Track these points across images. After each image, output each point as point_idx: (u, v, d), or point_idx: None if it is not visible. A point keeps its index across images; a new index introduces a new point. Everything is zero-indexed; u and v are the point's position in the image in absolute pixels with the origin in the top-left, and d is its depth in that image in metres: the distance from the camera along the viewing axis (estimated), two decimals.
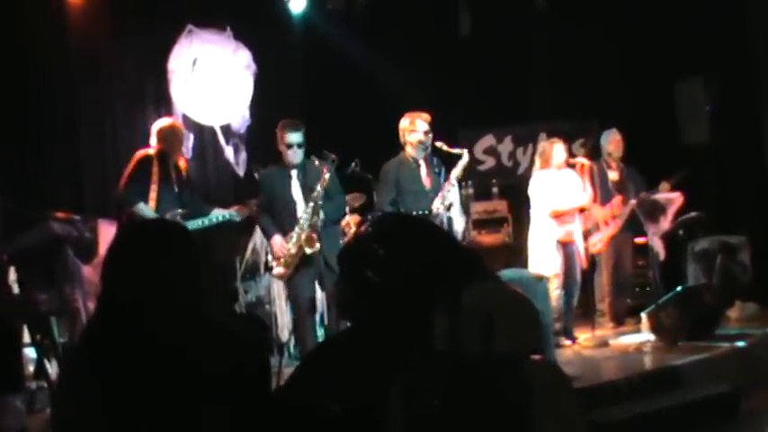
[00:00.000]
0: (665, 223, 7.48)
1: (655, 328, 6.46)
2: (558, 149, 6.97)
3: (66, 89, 7.45)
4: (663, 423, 4.96)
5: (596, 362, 6.23)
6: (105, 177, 7.48)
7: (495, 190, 9.07)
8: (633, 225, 7.52)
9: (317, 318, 6.32)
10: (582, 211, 7.01)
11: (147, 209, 5.90)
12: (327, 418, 1.87)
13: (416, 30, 8.96)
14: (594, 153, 7.82)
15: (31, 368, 5.49)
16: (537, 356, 1.90)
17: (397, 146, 6.35)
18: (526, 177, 7.44)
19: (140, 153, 6.16)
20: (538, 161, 7.10)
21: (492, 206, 8.85)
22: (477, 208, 8.71)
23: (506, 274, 5.14)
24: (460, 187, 6.63)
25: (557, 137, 7.39)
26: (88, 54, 7.58)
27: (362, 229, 2.10)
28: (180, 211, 6.03)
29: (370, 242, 2.01)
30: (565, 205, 6.87)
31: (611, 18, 8.88)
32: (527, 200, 7.08)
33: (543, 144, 7.29)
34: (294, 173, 5.95)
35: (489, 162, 9.64)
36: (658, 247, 7.53)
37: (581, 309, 7.49)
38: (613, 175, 7.58)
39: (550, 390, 1.86)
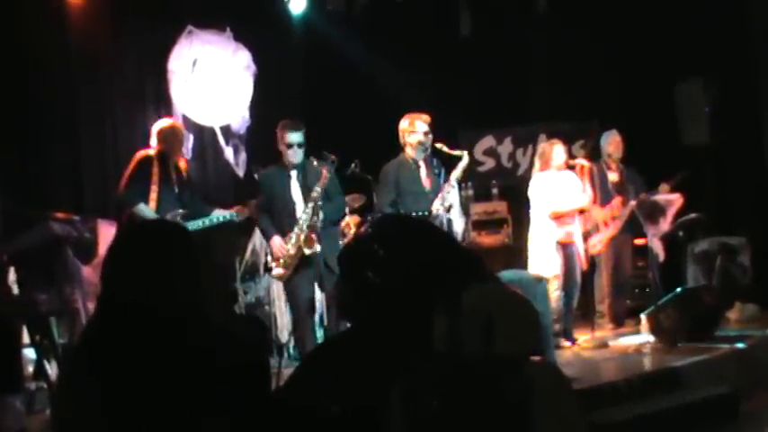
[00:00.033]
0: (665, 224, 7.48)
1: (654, 330, 6.46)
2: (557, 150, 6.97)
3: (67, 89, 7.44)
4: (662, 424, 4.96)
5: (596, 363, 6.23)
6: (105, 177, 7.48)
7: (494, 191, 9.07)
8: (633, 226, 7.51)
9: (317, 319, 6.33)
10: (582, 212, 7.00)
11: (148, 209, 5.90)
12: (327, 418, 1.88)
13: (416, 30, 8.96)
14: (594, 154, 7.82)
15: (31, 369, 5.49)
16: (536, 358, 1.90)
17: (396, 147, 6.35)
18: (526, 178, 7.44)
19: (141, 154, 6.15)
20: (537, 162, 7.10)
21: (492, 207, 8.85)
22: (477, 209, 8.71)
23: (506, 275, 5.13)
24: (460, 188, 6.63)
25: (556, 138, 7.39)
26: (88, 54, 7.58)
27: (362, 229, 2.11)
28: (180, 211, 6.03)
29: (370, 243, 2.01)
30: (564, 207, 6.87)
31: (610, 19, 8.88)
32: (527, 201, 7.08)
33: (543, 145, 7.29)
34: (294, 173, 5.94)
35: (489, 163, 9.64)
36: (658, 248, 7.52)
37: (580, 310, 7.49)
38: (613, 177, 7.58)
39: (550, 391, 1.86)
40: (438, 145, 6.28)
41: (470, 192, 8.53)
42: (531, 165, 7.57)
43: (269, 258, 6.62)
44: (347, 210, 6.75)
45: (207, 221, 6.20)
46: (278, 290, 6.92)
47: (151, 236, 2.33)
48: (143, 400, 2.06)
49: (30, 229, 5.45)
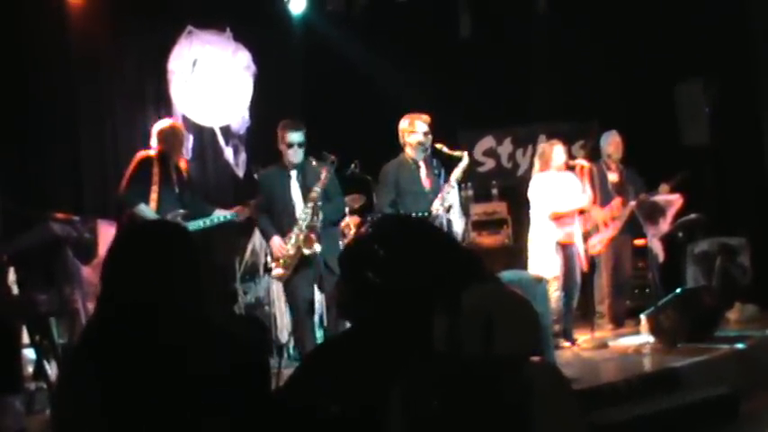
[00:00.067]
0: (665, 225, 7.48)
1: (654, 330, 6.46)
2: (557, 151, 6.97)
3: (67, 89, 7.44)
4: (662, 425, 4.96)
5: (595, 363, 6.23)
6: (105, 178, 7.49)
7: (494, 191, 9.07)
8: (633, 227, 7.51)
9: (317, 319, 6.32)
10: (581, 212, 7.01)
11: (148, 210, 5.90)
12: (327, 418, 1.88)
13: (416, 31, 8.96)
14: (594, 155, 7.82)
15: (31, 369, 5.49)
16: (536, 358, 1.90)
17: (396, 147, 6.34)
18: (526, 179, 7.44)
19: (141, 154, 6.16)
20: (537, 163, 7.10)
21: (491, 208, 8.85)
22: (477, 209, 8.71)
23: (506, 275, 5.13)
24: (460, 189, 6.63)
25: (556, 138, 7.39)
26: (88, 54, 7.58)
27: (363, 230, 2.11)
28: (181, 211, 6.03)
29: (370, 243, 2.01)
30: (564, 207, 6.87)
31: (610, 19, 8.88)
32: (527, 201, 7.08)
33: (543, 146, 7.28)
34: (294, 173, 5.94)
35: (489, 163, 9.64)
36: (658, 248, 7.52)
37: (580, 310, 7.49)
38: (613, 177, 7.57)
39: (550, 391, 1.86)
40: (438, 145, 6.28)
41: (470, 192, 8.54)
42: (531, 165, 7.57)
43: (269, 259, 6.62)
44: (347, 210, 6.75)
45: (208, 221, 6.21)
46: (278, 290, 6.92)
47: (151, 236, 2.33)
48: (143, 401, 2.06)
49: (30, 229, 5.45)
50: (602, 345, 6.73)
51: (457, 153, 6.32)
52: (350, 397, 1.88)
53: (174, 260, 2.24)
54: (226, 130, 8.33)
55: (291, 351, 6.76)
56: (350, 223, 7.03)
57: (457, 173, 6.24)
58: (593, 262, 7.39)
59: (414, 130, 6.24)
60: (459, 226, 6.21)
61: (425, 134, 6.22)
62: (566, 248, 6.87)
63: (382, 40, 8.80)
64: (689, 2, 8.44)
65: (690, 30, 8.39)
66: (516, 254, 7.82)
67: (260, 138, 7.82)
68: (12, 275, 5.44)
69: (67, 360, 3.84)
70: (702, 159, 8.22)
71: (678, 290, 6.78)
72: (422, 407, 1.78)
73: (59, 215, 5.67)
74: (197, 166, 7.96)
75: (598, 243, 7.37)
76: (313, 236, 5.70)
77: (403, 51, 8.87)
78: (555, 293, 6.71)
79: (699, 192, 7.88)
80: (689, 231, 7.73)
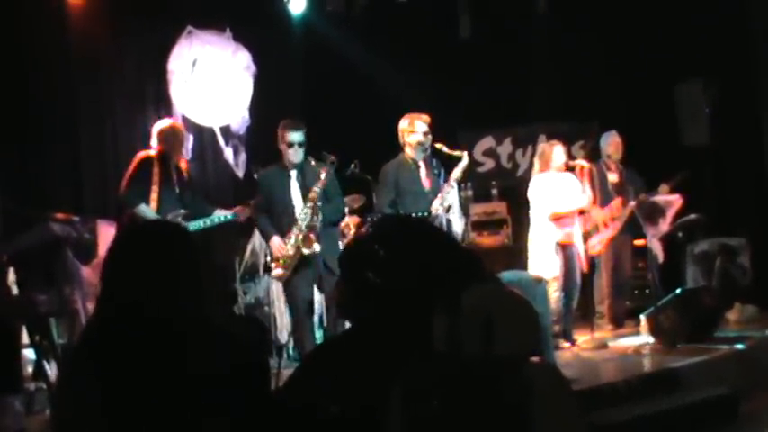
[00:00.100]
0: (665, 225, 7.48)
1: (654, 331, 6.46)
2: (557, 151, 6.97)
3: (67, 89, 7.45)
4: (662, 425, 4.96)
5: (595, 364, 6.23)
6: (105, 178, 7.49)
7: (494, 192, 9.08)
8: (632, 227, 7.51)
9: (316, 319, 6.32)
10: (581, 213, 7.01)
11: (149, 210, 5.91)
12: (327, 419, 1.88)
13: (416, 31, 8.97)
14: (594, 155, 7.82)
15: (30, 369, 5.49)
16: (536, 358, 1.90)
17: (396, 147, 6.34)
18: (525, 179, 7.44)
19: (141, 155, 6.16)
20: (537, 163, 7.10)
21: (491, 208, 8.85)
22: (477, 210, 8.71)
23: (506, 275, 5.13)
24: (460, 189, 6.63)
25: (556, 139, 7.40)
26: (88, 54, 7.58)
27: (363, 230, 2.11)
28: (182, 211, 6.03)
29: (370, 243, 2.01)
30: (564, 208, 6.87)
31: (610, 20, 8.88)
32: (526, 202, 7.08)
33: (543, 146, 7.29)
34: (293, 174, 5.94)
35: (489, 164, 9.64)
36: (657, 249, 7.52)
37: (580, 311, 7.49)
38: (613, 177, 7.58)
39: (549, 392, 1.86)
40: (438, 145, 6.28)
41: (470, 192, 8.54)
42: (531, 165, 7.57)
43: (268, 259, 6.62)
44: (347, 210, 6.75)
45: (208, 221, 6.21)
46: (277, 290, 6.92)
47: (152, 236, 2.33)
48: (143, 401, 2.06)
49: (29, 229, 5.45)
50: (602, 345, 6.73)
51: (456, 153, 6.31)
52: (350, 397, 1.88)
53: (174, 260, 2.24)
54: (226, 131, 8.33)
55: (291, 351, 6.76)
56: (349, 223, 7.03)
57: (456, 173, 6.23)
58: (592, 262, 7.40)
59: (413, 130, 6.24)
60: (458, 226, 6.20)
61: (425, 134, 6.21)
62: (565, 249, 6.87)
63: (382, 40, 8.80)
64: (689, 2, 8.44)
65: (690, 30, 8.39)
66: (516, 254, 7.82)
67: (260, 138, 7.82)
68: (12, 275, 5.44)
69: (67, 360, 3.84)
70: (702, 160, 8.22)
71: (678, 290, 6.78)
72: (422, 407, 1.78)
73: (59, 215, 5.66)
74: (197, 166, 7.96)
75: (598, 243, 7.37)
76: (312, 236, 5.70)
77: (403, 51, 8.87)
78: (555, 294, 6.71)
79: (699, 192, 7.89)
80: (689, 232, 7.73)
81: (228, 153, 8.32)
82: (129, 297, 2.17)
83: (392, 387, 1.81)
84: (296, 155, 5.90)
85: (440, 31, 9.12)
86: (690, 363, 5.75)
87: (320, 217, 5.73)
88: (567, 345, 6.79)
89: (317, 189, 5.73)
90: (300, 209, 5.80)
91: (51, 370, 5.20)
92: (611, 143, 7.61)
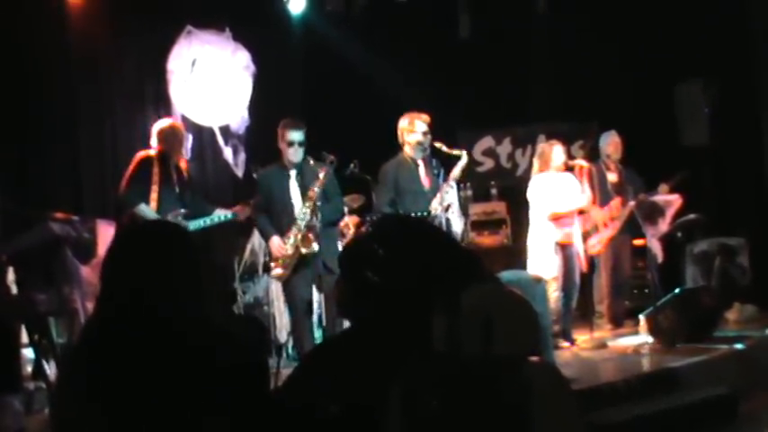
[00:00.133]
0: (664, 225, 7.48)
1: (653, 330, 6.46)
2: (556, 151, 6.98)
3: (66, 89, 7.44)
4: (661, 425, 4.96)
5: (594, 364, 6.23)
6: (105, 178, 7.49)
7: (493, 191, 9.08)
8: (632, 227, 7.51)
9: (315, 319, 6.32)
10: (581, 213, 7.01)
11: (149, 210, 5.91)
12: (326, 418, 1.88)
13: (416, 31, 8.97)
14: (593, 155, 7.83)
15: (30, 368, 5.49)
16: (535, 358, 1.90)
17: (396, 147, 6.34)
18: (525, 179, 7.44)
19: (141, 154, 6.16)
20: (536, 163, 7.10)
21: (491, 207, 8.86)
22: (476, 209, 8.71)
23: (505, 275, 5.13)
24: (459, 188, 6.62)
25: (556, 138, 7.40)
26: (88, 54, 7.58)
27: (362, 229, 2.11)
28: (182, 211, 6.03)
29: (370, 243, 2.01)
30: (564, 208, 6.87)
31: (610, 20, 8.88)
32: (526, 201, 7.08)
33: (542, 146, 7.29)
34: (293, 173, 5.94)
35: (488, 163, 9.64)
36: (657, 249, 7.52)
37: (579, 310, 7.49)
38: (612, 177, 7.58)
39: (549, 391, 1.86)
40: (437, 144, 6.28)
41: (469, 192, 8.51)
42: (531, 165, 7.57)
43: (268, 258, 6.62)
44: (346, 210, 6.75)
45: (208, 221, 6.21)
46: (277, 290, 6.92)
47: (151, 236, 2.33)
48: (143, 401, 2.06)
49: (29, 229, 5.45)
50: (602, 345, 6.74)
51: (456, 152, 6.31)
52: (349, 397, 1.88)
53: (174, 260, 2.24)
54: (225, 130, 8.33)
55: (290, 351, 6.75)
56: (349, 223, 7.03)
57: (456, 171, 6.23)
58: (592, 262, 7.40)
59: (413, 129, 6.24)
60: (458, 225, 6.20)
61: (425, 134, 6.21)
62: (565, 249, 6.87)
63: (382, 40, 8.80)
64: (689, 2, 8.45)
65: (690, 30, 8.40)
66: (515, 254, 7.82)
67: (259, 137, 7.82)
68: (11, 275, 5.44)
69: (67, 360, 3.84)
70: (702, 159, 8.22)
71: (677, 290, 6.78)
72: (421, 407, 1.78)
73: (59, 215, 5.66)
74: (196, 165, 7.96)
75: (597, 243, 7.38)
76: (311, 235, 5.70)
77: (403, 51, 8.88)
78: (554, 294, 6.71)
79: (698, 192, 7.89)
80: (688, 231, 7.74)
81: (228, 153, 8.32)
82: (129, 297, 2.17)
83: (392, 387, 1.81)
84: (296, 154, 5.90)
85: (440, 31, 9.12)
86: (689, 362, 5.76)
87: (319, 216, 5.73)
88: (566, 344, 6.79)
89: (316, 189, 5.73)
90: (300, 208, 5.80)
91: (51, 369, 5.20)
92: (611, 143, 7.62)
